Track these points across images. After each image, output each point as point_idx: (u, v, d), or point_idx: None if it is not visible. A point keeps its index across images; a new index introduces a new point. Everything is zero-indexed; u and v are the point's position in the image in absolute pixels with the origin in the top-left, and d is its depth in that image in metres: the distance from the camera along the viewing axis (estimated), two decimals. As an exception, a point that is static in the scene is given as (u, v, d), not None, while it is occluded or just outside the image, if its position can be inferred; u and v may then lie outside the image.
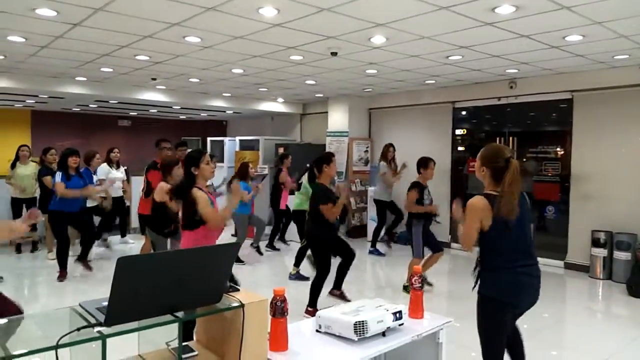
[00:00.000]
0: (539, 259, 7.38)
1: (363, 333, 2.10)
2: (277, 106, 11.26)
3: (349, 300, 4.94)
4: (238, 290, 1.99)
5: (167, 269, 1.61)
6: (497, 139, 8.21)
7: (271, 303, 2.01)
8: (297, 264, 6.34)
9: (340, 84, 8.42)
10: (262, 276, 6.77)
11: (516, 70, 6.93)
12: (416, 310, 2.48)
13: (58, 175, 5.99)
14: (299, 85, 8.54)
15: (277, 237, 8.36)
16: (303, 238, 6.45)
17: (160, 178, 5.15)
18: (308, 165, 6.66)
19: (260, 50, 5.88)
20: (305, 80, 8.04)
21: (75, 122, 13.10)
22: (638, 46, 5.33)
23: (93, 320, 1.59)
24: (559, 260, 7.24)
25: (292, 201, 7.46)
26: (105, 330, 1.53)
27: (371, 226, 8.96)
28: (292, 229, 8.38)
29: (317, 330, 2.26)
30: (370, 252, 8.08)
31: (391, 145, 8.25)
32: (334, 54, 5.81)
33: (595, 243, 6.66)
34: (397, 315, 2.23)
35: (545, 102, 7.51)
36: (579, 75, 6.90)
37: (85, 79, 8.20)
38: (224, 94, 10.09)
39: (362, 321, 2.09)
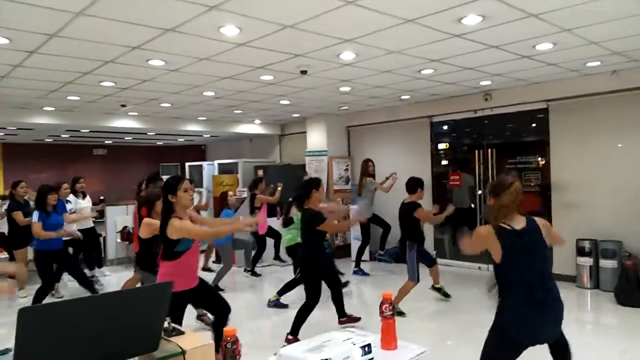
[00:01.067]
0: None
1: (327, 372, 1.89)
2: (255, 128, 11.12)
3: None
4: (182, 333, 1.78)
5: (84, 318, 1.40)
6: (476, 151, 8.15)
7: (221, 345, 1.80)
8: (281, 293, 6.01)
9: (316, 103, 8.31)
10: (242, 305, 6.51)
11: (490, 82, 6.88)
12: (389, 341, 2.28)
13: (35, 215, 5.75)
14: (274, 106, 8.40)
15: (258, 263, 8.08)
16: (297, 271, 6.14)
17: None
18: (291, 199, 6.51)
19: (228, 72, 5.74)
20: (280, 101, 7.91)
21: (49, 153, 12.80)
22: (609, 52, 5.29)
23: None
24: (545, 272, 7.09)
25: (284, 237, 6.90)
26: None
27: (355, 245, 8.76)
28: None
29: (278, 371, 2.05)
30: (355, 272, 7.86)
31: (369, 160, 8.16)
32: (303, 72, 5.69)
33: (580, 252, 6.54)
34: (366, 349, 2.04)
35: (522, 112, 7.46)
36: (552, 85, 6.87)
37: (53, 108, 7.98)
38: (199, 118, 9.92)
39: (326, 359, 1.89)
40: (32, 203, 6.55)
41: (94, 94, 6.80)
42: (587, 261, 6.49)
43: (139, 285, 5.20)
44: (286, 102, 8.01)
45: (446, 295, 6.15)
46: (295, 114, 9.70)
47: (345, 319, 5.06)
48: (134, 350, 1.55)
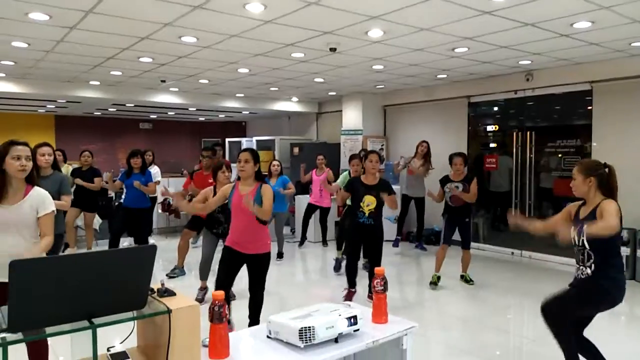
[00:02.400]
0: (560, 257, 7.14)
1: (310, 340, 1.97)
2: (292, 106, 11.20)
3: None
4: (174, 294, 1.90)
5: (74, 273, 1.54)
6: (515, 133, 7.91)
7: (209, 308, 1.91)
8: (340, 246, 6.65)
9: (350, 81, 8.27)
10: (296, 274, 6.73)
11: (530, 62, 6.62)
12: (379, 314, 2.33)
13: (120, 175, 6.60)
14: (309, 83, 8.44)
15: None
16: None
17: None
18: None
19: (259, 49, 5.81)
20: (314, 79, 7.93)
21: (97, 126, 13.40)
22: (655, 31, 4.98)
23: (4, 326, 1.53)
24: (579, 260, 6.88)
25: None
26: (9, 336, 1.47)
27: (386, 225, 8.78)
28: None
29: (267, 336, 2.15)
30: (416, 247, 8.21)
31: (423, 141, 8.05)
32: (332, 49, 5.68)
33: (618, 241, 6.30)
34: (352, 320, 2.10)
35: (564, 94, 7.16)
36: (597, 65, 6.54)
37: (98, 82, 8.34)
38: (237, 95, 10.09)
39: (309, 327, 1.97)
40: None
41: (134, 69, 7.06)
42: (625, 251, 6.22)
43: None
44: (320, 79, 8.02)
45: (468, 282, 6.07)
46: (331, 92, 9.70)
47: (371, 295, 5.15)
48: (122, 306, 1.68)
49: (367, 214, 4.88)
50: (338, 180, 6.24)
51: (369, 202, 4.88)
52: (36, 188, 2.83)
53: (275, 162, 7.42)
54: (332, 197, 7.88)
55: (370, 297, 5.12)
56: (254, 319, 3.98)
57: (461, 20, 4.60)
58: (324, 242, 8.40)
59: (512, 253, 7.80)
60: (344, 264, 6.14)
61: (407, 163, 8.00)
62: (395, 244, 8.12)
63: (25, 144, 2.82)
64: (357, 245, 5.12)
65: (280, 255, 7.39)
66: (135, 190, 6.39)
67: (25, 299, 1.46)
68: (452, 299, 5.63)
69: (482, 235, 8.49)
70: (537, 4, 4.12)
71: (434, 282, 5.84)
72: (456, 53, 6.05)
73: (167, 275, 6.09)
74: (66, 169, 7.63)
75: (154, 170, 8.08)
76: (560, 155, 7.31)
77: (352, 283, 5.18)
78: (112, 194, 8.19)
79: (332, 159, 9.68)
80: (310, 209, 8.19)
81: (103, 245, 7.93)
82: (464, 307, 5.47)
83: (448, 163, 5.98)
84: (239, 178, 3.91)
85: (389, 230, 8.38)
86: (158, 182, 7.63)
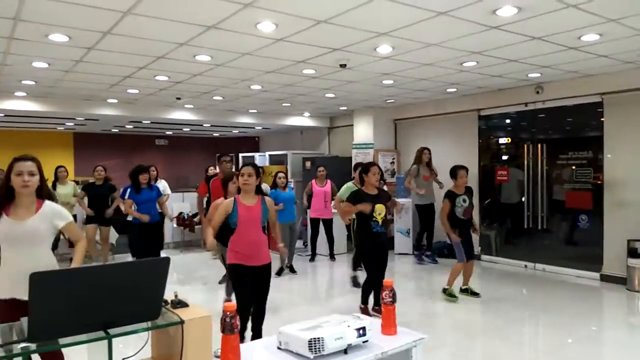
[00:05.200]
0: (573, 270, 6.98)
1: (319, 351, 2.02)
2: (304, 121, 11.32)
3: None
4: (187, 305, 1.96)
5: (90, 285, 1.61)
6: (526, 145, 7.90)
7: (221, 319, 1.97)
8: (355, 267, 6.51)
9: (361, 96, 8.37)
10: (313, 288, 6.76)
11: (539, 74, 6.65)
12: (388, 325, 2.37)
13: (127, 192, 6.51)
14: (320, 99, 8.55)
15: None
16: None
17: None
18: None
19: (271, 66, 5.93)
20: (325, 94, 8.04)
21: (115, 142, 13.68)
22: (664, 43, 4.99)
23: (25, 336, 1.60)
24: (594, 272, 6.82)
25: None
26: (29, 346, 1.54)
27: (398, 238, 8.88)
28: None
29: (278, 347, 2.20)
30: (427, 257, 8.18)
31: (425, 148, 8.25)
32: (342, 65, 5.78)
33: (632, 253, 6.24)
34: (361, 331, 2.14)
35: (574, 106, 7.16)
36: (607, 77, 6.54)
37: (116, 100, 8.55)
38: (250, 111, 10.25)
39: (318, 338, 2.02)
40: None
41: (151, 87, 7.23)
42: (639, 263, 6.18)
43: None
44: (331, 95, 8.12)
45: (474, 294, 6.01)
46: (342, 107, 9.80)
47: (379, 308, 5.03)
48: (136, 317, 1.75)
49: (380, 222, 4.92)
50: (341, 191, 6.10)
51: (380, 211, 4.91)
52: (47, 202, 2.78)
53: (281, 174, 7.55)
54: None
55: (376, 309, 5.15)
56: (257, 331, 4.00)
57: (469, 35, 4.67)
58: (332, 257, 8.31)
59: (526, 266, 7.74)
60: (360, 279, 5.99)
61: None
62: (420, 258, 8.15)
63: (31, 159, 2.72)
64: (379, 259, 5.07)
65: (292, 269, 7.44)
66: (147, 207, 6.49)
67: (45, 310, 1.53)
68: (463, 311, 5.61)
69: (494, 248, 8.45)
70: (543, 18, 4.17)
71: (454, 295, 5.85)
72: (465, 67, 6.11)
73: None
74: (73, 186, 7.80)
75: (162, 184, 8.15)
76: (572, 168, 7.28)
77: (366, 300, 5.19)
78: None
79: (344, 173, 9.74)
80: (315, 223, 8.20)
81: (119, 259, 8.08)
82: (476, 319, 5.45)
83: (451, 176, 5.90)
84: (238, 192, 4.03)
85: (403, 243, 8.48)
86: (168, 196, 7.74)
